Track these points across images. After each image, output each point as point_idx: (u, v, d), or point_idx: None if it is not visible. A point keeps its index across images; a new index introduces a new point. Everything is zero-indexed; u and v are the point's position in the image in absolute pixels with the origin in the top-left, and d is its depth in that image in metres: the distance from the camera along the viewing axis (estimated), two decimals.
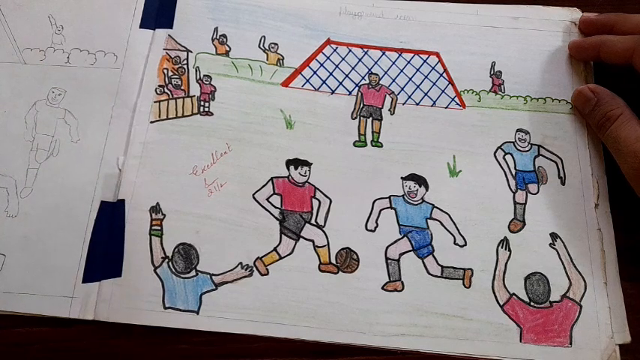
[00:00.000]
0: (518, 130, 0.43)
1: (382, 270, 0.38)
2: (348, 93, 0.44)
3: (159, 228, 0.39)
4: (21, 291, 0.37)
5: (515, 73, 0.44)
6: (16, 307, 0.36)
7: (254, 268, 0.38)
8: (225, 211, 0.39)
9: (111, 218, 0.38)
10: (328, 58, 0.45)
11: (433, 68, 0.45)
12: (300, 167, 0.41)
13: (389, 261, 0.39)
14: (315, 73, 0.44)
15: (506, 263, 0.39)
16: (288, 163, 0.41)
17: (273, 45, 0.45)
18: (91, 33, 0.44)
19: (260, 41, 0.45)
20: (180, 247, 0.38)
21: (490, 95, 0.44)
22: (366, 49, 0.45)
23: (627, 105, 0.40)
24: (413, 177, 0.41)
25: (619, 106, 0.40)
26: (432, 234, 0.39)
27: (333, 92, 0.44)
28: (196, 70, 0.43)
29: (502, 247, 0.39)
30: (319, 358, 0.36)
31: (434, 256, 0.39)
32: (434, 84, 0.44)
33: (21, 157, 0.40)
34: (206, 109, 0.42)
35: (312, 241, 0.39)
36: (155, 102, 0.42)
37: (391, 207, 0.40)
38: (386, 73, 0.44)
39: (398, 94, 0.44)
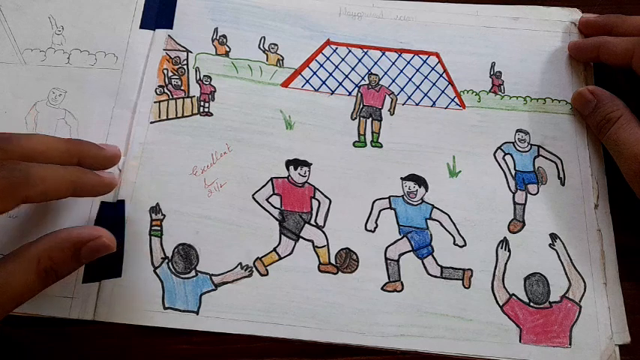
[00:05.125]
0: (517, 131, 0.43)
1: (382, 270, 0.38)
2: (347, 93, 0.44)
3: (159, 228, 0.39)
4: None
5: (515, 74, 0.44)
6: None
7: (254, 269, 0.38)
8: (225, 211, 0.39)
9: (111, 218, 0.38)
10: (328, 58, 0.45)
11: (433, 69, 0.45)
12: (299, 167, 0.41)
13: (388, 261, 0.39)
14: (314, 73, 0.44)
15: (506, 264, 0.39)
16: (288, 163, 0.41)
17: (272, 45, 0.45)
18: (92, 34, 0.45)
19: (260, 42, 0.45)
20: (180, 247, 0.38)
21: (490, 96, 0.44)
22: (365, 50, 0.45)
23: (627, 107, 0.40)
24: (412, 177, 0.41)
25: (619, 108, 0.40)
26: (431, 234, 0.39)
27: (332, 93, 0.44)
28: (196, 71, 0.44)
29: (502, 248, 0.39)
30: (319, 358, 0.36)
31: (433, 257, 0.39)
32: (434, 84, 0.44)
33: None
34: (206, 110, 0.42)
35: (312, 242, 0.39)
36: (155, 102, 0.42)
37: (391, 207, 0.40)
38: (386, 73, 0.44)
39: (398, 94, 0.44)
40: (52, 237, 0.32)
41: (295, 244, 0.39)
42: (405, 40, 0.46)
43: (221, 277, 0.38)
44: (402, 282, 0.38)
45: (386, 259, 0.39)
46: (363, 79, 0.44)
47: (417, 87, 0.44)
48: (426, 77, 0.44)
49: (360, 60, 0.45)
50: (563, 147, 0.42)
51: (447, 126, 0.43)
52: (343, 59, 0.45)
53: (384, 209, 0.40)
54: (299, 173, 0.41)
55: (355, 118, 0.43)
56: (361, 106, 0.43)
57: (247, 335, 0.36)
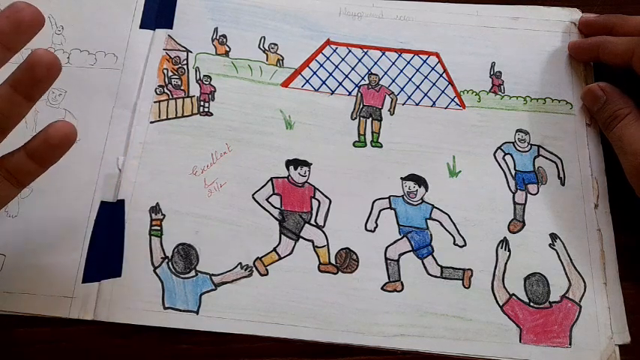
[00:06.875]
0: (517, 131, 0.43)
1: (382, 270, 0.38)
2: (347, 93, 0.44)
3: (158, 228, 0.39)
4: (21, 291, 0.37)
5: (515, 74, 0.44)
6: (16, 307, 0.36)
7: (253, 269, 0.38)
8: (225, 211, 0.39)
9: (111, 218, 0.38)
10: (328, 58, 0.45)
11: (433, 69, 0.45)
12: (299, 167, 0.41)
13: (388, 261, 0.39)
14: (314, 73, 0.44)
15: (506, 264, 0.39)
16: (288, 163, 0.41)
17: (272, 45, 0.45)
18: (92, 33, 0.44)
19: (260, 42, 0.45)
20: (179, 247, 0.38)
21: (490, 96, 0.44)
22: (365, 50, 0.45)
23: (636, 106, 0.40)
24: (412, 177, 0.41)
25: (628, 106, 0.40)
26: (431, 234, 0.39)
27: (332, 93, 0.44)
28: (196, 71, 0.44)
29: (502, 248, 0.39)
30: (319, 358, 0.36)
31: (433, 257, 0.39)
32: (434, 84, 0.44)
33: None
34: (206, 110, 0.42)
35: (312, 242, 0.39)
36: (155, 102, 0.42)
37: (391, 207, 0.40)
38: (386, 73, 0.44)
39: (398, 94, 0.44)
40: None
41: (295, 244, 0.39)
42: (405, 40, 0.46)
43: (221, 276, 0.38)
44: (402, 282, 0.38)
45: (386, 259, 0.39)
46: (363, 79, 0.44)
47: (417, 87, 0.44)
48: (426, 77, 0.44)
49: (360, 60, 0.45)
50: (563, 147, 0.42)
51: (447, 126, 0.43)
52: (343, 59, 0.45)
53: (384, 209, 0.40)
54: (299, 173, 0.41)
55: (355, 118, 0.43)
56: (361, 106, 0.43)
57: (247, 335, 0.36)
